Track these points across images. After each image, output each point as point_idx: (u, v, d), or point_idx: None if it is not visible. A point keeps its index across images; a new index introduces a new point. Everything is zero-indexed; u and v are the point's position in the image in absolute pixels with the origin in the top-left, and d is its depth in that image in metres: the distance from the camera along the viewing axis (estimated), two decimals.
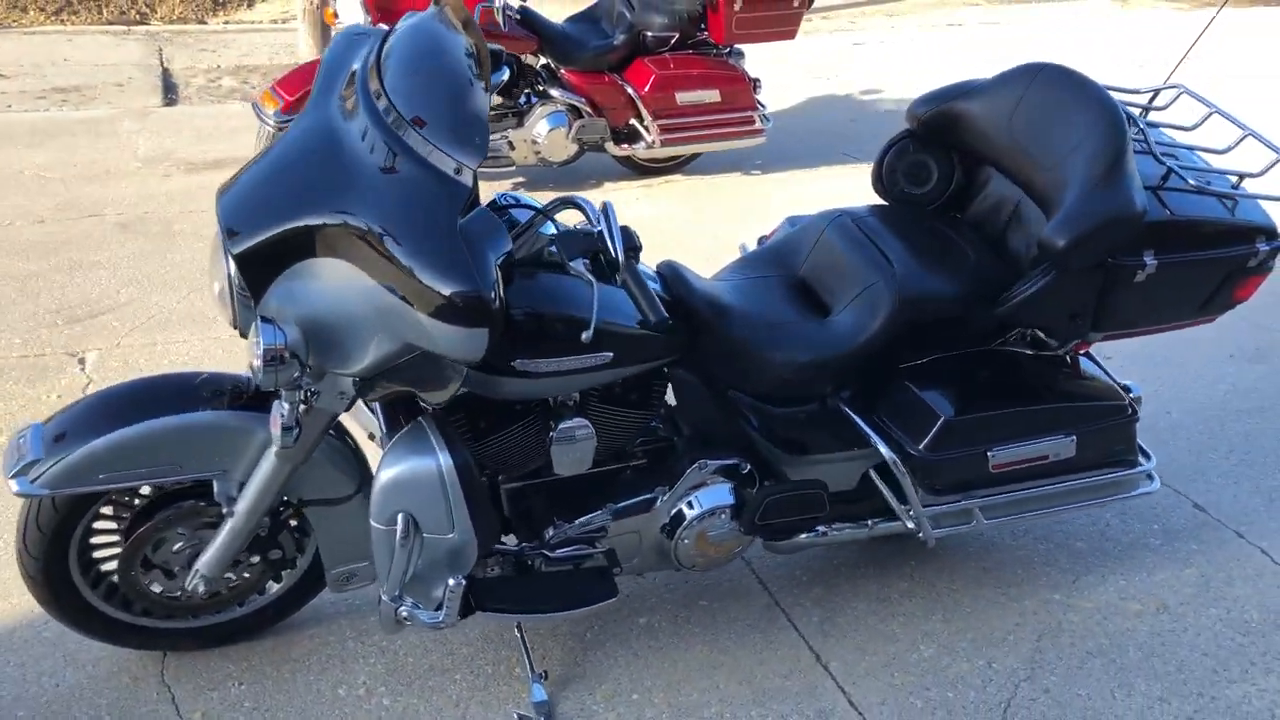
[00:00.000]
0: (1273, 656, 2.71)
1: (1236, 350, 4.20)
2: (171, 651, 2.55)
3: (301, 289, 1.96)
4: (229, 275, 2.02)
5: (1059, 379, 2.66)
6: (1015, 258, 2.60)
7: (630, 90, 5.40)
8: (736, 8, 5.30)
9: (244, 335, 2.06)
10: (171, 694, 2.46)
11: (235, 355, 3.80)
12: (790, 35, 5.63)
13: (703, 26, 5.50)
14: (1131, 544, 3.09)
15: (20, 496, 2.15)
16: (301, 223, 1.91)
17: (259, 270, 1.95)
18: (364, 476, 2.37)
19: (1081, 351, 2.77)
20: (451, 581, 2.20)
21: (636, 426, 2.45)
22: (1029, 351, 2.68)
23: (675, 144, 5.55)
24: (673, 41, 5.48)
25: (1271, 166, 2.54)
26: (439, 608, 2.25)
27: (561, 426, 2.31)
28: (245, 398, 2.27)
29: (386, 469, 2.12)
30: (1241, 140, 2.63)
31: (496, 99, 5.27)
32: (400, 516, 2.13)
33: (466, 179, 1.86)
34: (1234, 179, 2.58)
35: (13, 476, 2.13)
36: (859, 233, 2.62)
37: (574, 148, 5.48)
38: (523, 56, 5.32)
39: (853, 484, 2.65)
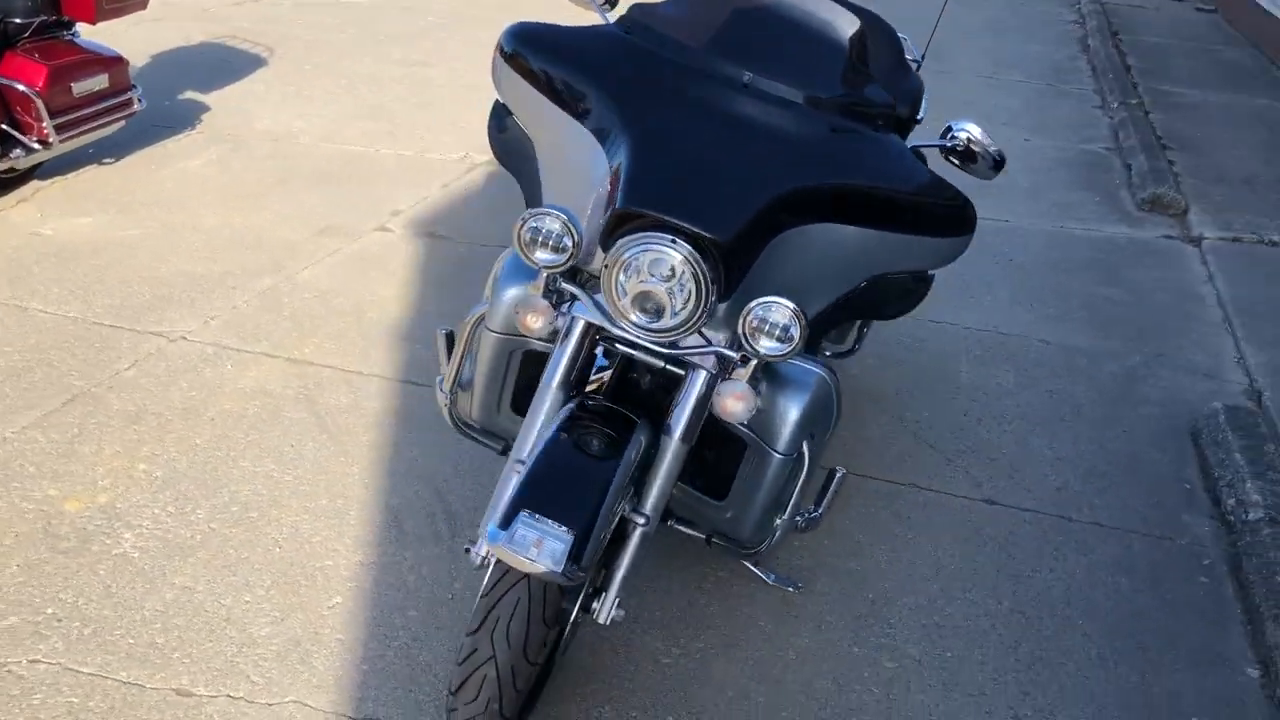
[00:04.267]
0: (1027, 364, 4.20)
1: None
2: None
3: (775, 258, 2.13)
4: (697, 265, 2.01)
5: None
6: None
7: (21, 88, 4.53)
8: None
9: (685, 324, 2.08)
10: None
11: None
12: (144, 6, 5.18)
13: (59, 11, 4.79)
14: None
15: (566, 579, 1.94)
16: (774, 196, 2.08)
17: (740, 254, 2.06)
18: None
19: None
20: (840, 472, 2.52)
21: None
22: None
23: (73, 140, 4.83)
24: (32, 27, 4.70)
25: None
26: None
27: None
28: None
29: (792, 406, 2.31)
30: None
31: None
32: (806, 443, 2.38)
33: (892, 126, 2.25)
34: None
35: (563, 571, 1.90)
36: None
37: None
38: None
39: None
